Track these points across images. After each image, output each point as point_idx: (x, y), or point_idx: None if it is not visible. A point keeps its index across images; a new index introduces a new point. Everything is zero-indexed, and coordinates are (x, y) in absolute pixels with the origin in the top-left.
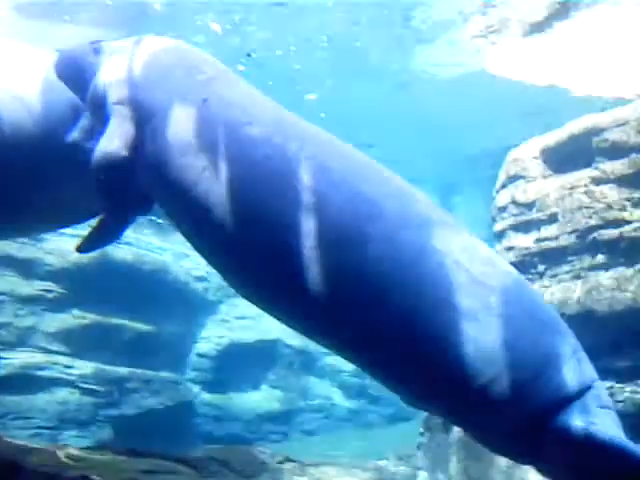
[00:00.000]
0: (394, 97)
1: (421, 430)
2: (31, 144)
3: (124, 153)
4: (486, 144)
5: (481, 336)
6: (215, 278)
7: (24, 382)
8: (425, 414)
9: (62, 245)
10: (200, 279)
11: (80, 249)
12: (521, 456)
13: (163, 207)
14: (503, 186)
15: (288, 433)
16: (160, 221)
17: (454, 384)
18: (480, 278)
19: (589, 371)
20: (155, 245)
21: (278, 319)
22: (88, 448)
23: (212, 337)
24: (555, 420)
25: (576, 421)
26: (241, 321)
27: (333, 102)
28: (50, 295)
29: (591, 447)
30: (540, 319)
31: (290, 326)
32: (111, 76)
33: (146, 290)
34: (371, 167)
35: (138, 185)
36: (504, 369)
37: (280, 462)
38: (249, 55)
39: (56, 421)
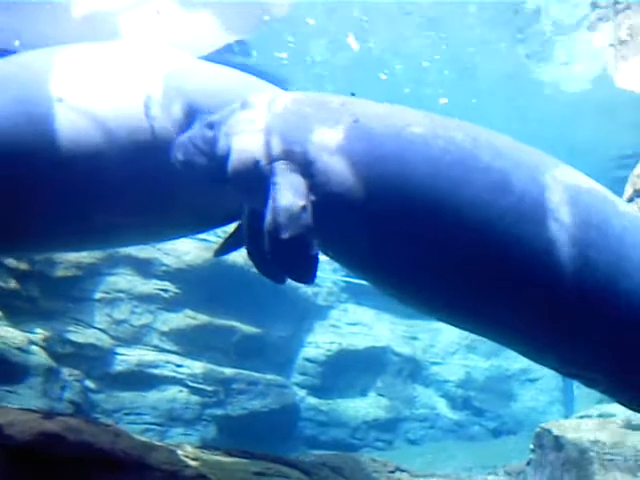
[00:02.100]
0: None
1: (532, 447)
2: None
3: (302, 203)
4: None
5: None
6: (326, 283)
7: (138, 379)
8: (536, 430)
9: (178, 247)
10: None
11: (216, 254)
12: None
13: (335, 245)
14: (629, 200)
15: (393, 441)
16: None
17: None
18: None
19: None
20: None
21: (467, 322)
22: (203, 447)
23: (321, 342)
24: None
25: None
26: (351, 327)
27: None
28: (166, 295)
29: None
30: None
31: (481, 328)
32: (249, 143)
33: (255, 293)
34: (515, 141)
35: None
36: None
37: (391, 471)
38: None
39: (165, 418)
